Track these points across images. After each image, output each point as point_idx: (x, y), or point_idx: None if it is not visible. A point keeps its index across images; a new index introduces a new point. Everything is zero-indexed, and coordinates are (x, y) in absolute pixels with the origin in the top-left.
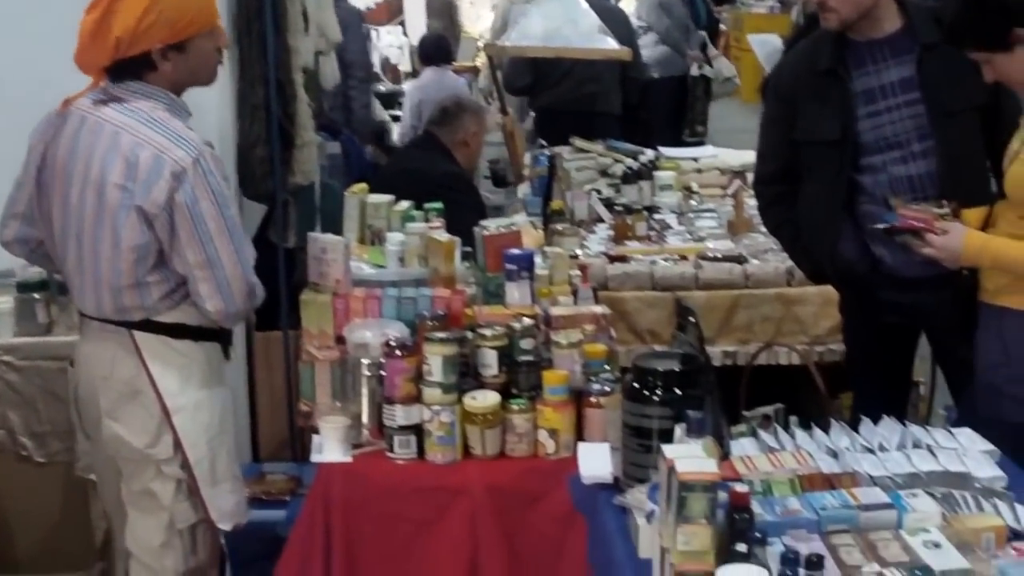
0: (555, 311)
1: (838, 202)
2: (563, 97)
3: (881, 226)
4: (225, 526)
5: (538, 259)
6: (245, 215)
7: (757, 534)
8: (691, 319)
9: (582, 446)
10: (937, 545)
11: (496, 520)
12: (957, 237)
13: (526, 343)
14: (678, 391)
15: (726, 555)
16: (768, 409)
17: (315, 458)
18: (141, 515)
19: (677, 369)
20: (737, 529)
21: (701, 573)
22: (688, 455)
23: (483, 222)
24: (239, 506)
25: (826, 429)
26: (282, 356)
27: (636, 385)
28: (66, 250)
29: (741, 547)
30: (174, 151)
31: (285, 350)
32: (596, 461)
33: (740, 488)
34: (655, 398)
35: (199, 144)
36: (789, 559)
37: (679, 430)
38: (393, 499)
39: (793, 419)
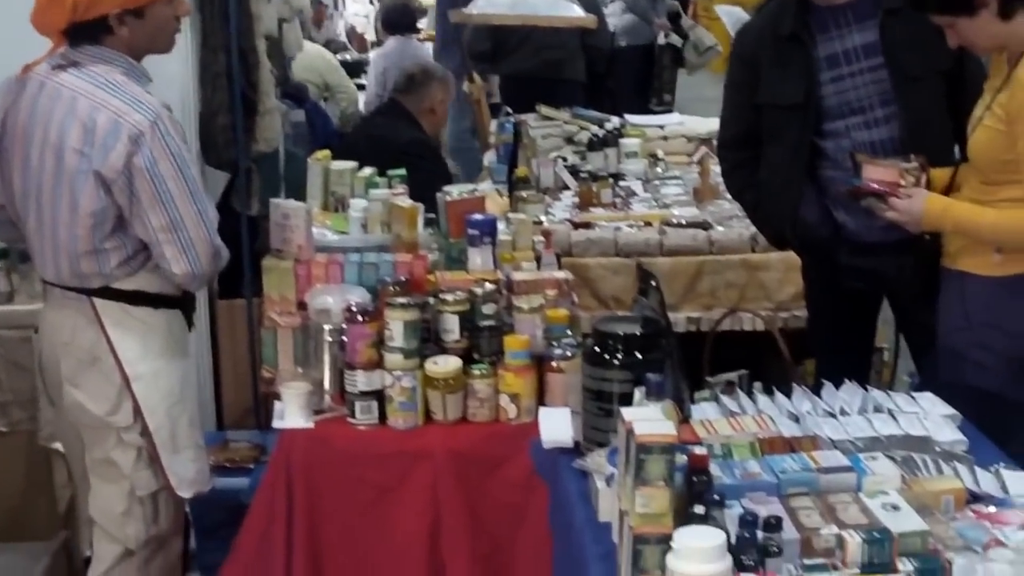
0: (517, 276)
1: (800, 167)
2: (528, 64)
3: (844, 188)
4: (186, 494)
5: (501, 225)
6: (208, 183)
7: (715, 496)
8: (652, 283)
9: (543, 411)
10: (896, 507)
11: (458, 485)
12: (919, 201)
13: (488, 308)
14: (638, 355)
15: (684, 517)
16: (732, 375)
17: (277, 424)
18: (102, 483)
19: (637, 333)
20: (695, 491)
21: (659, 535)
22: (647, 418)
23: (446, 188)
24: (200, 474)
25: (788, 394)
26: (246, 324)
27: (596, 349)
28: (27, 215)
29: (699, 509)
30: (131, 115)
31: (249, 318)
32: (557, 425)
33: (699, 451)
34: (615, 362)
35: (157, 107)
36: (747, 521)
37: (638, 393)
38: (355, 465)
39: (757, 385)
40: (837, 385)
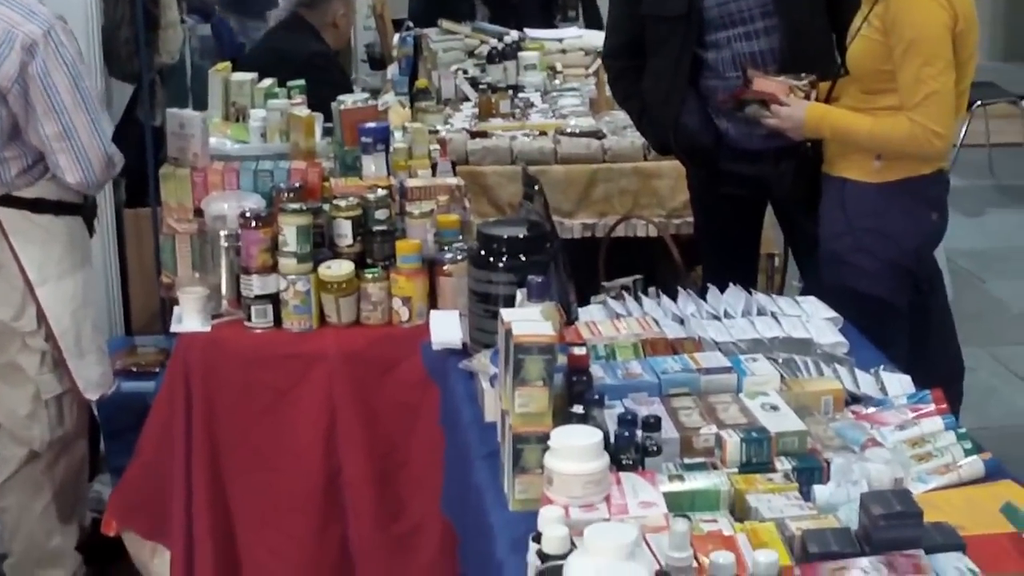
0: (410, 183)
1: (682, 76)
2: None
3: (727, 94)
4: (91, 396)
5: (398, 134)
6: (113, 94)
7: (596, 396)
8: (536, 188)
9: (434, 314)
10: (775, 408)
11: (352, 386)
12: (799, 108)
13: (380, 213)
14: (522, 257)
15: (563, 417)
16: (626, 280)
17: (175, 328)
18: (8, 387)
19: (521, 236)
20: (575, 391)
21: (538, 435)
22: (525, 318)
23: (341, 97)
24: (105, 376)
25: (675, 298)
26: (151, 232)
27: (481, 252)
28: None
29: (578, 409)
30: (24, 25)
31: (154, 226)
32: (446, 328)
33: (578, 351)
34: (499, 265)
35: (50, 17)
36: (626, 420)
37: (520, 295)
38: (251, 367)
39: (651, 290)
40: (723, 290)
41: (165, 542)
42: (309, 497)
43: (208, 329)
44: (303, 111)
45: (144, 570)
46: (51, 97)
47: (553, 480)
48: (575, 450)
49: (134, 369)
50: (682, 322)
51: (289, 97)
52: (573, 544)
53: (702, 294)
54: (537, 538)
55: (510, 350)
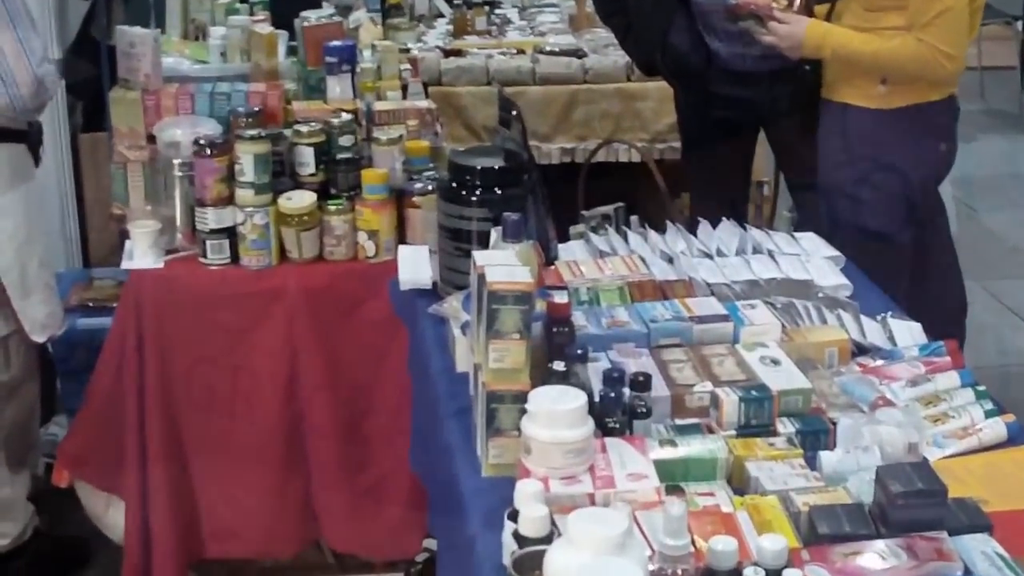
0: (378, 106)
1: None
2: None
3: (722, 7)
4: (38, 337)
5: (367, 52)
6: (69, 9)
7: (579, 351)
8: (513, 113)
9: (402, 249)
10: (776, 362)
11: (314, 327)
12: (799, 26)
13: (345, 140)
14: (497, 191)
15: (543, 373)
16: (607, 208)
17: (126, 264)
18: None
19: (496, 167)
20: (555, 344)
21: (514, 393)
22: (501, 262)
23: (304, 13)
24: (53, 316)
25: (663, 229)
26: (109, 158)
27: (453, 184)
28: None
29: (559, 365)
30: None
31: (111, 152)
32: (416, 265)
33: (559, 298)
34: (473, 198)
35: None
36: (613, 378)
37: (495, 234)
38: (207, 307)
39: (633, 219)
40: (713, 220)
41: (119, 493)
42: (269, 446)
43: (161, 266)
44: (265, 28)
45: (98, 522)
46: None
47: (531, 448)
48: (556, 415)
49: (90, 304)
50: (671, 261)
51: (252, 14)
52: (554, 524)
53: (689, 225)
54: (513, 516)
55: (483, 298)
